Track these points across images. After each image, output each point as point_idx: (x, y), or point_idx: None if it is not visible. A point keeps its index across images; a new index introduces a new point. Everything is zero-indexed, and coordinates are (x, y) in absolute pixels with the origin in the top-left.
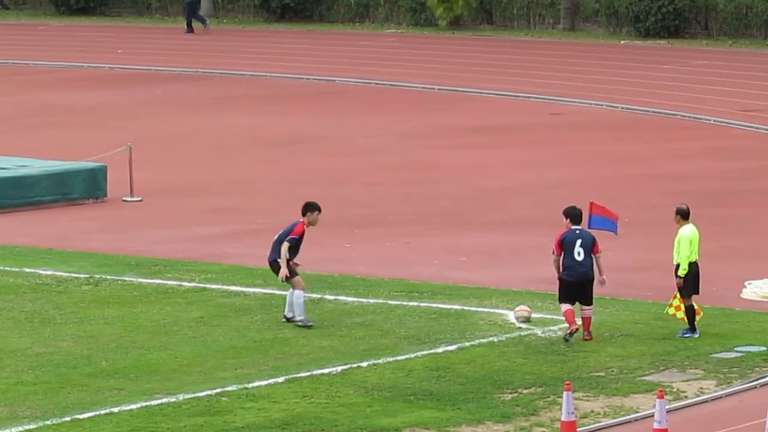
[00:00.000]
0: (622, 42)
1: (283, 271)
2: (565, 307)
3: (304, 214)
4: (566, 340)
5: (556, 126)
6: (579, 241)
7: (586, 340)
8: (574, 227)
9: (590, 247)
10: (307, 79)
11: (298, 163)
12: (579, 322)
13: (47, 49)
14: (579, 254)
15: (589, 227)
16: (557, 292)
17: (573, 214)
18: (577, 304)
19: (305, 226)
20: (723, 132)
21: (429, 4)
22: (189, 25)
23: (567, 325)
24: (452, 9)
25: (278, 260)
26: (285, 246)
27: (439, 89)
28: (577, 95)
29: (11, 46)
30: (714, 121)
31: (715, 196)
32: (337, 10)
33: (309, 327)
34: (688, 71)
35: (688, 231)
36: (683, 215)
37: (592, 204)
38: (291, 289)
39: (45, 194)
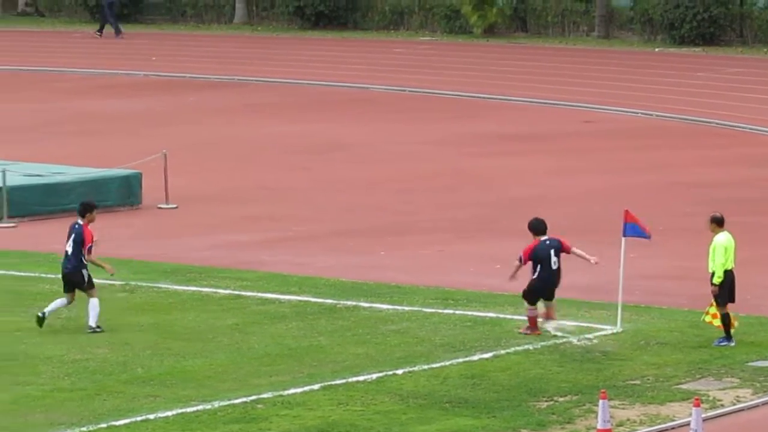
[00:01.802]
0: (656, 50)
1: (109, 267)
2: (533, 311)
3: (83, 216)
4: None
5: (589, 134)
6: (552, 251)
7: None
8: (542, 238)
9: (560, 250)
10: (341, 86)
11: (331, 171)
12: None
13: (82, 57)
14: (555, 263)
15: (624, 235)
16: (524, 292)
17: (535, 227)
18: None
19: (88, 226)
20: (758, 139)
21: (463, 11)
22: (101, 28)
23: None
24: (486, 17)
25: (82, 271)
26: (95, 257)
27: (472, 97)
28: (611, 103)
29: (46, 54)
30: (749, 128)
31: (750, 204)
32: (371, 17)
33: (99, 332)
34: (723, 79)
35: (723, 239)
36: (718, 223)
37: (626, 213)
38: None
39: (80, 201)
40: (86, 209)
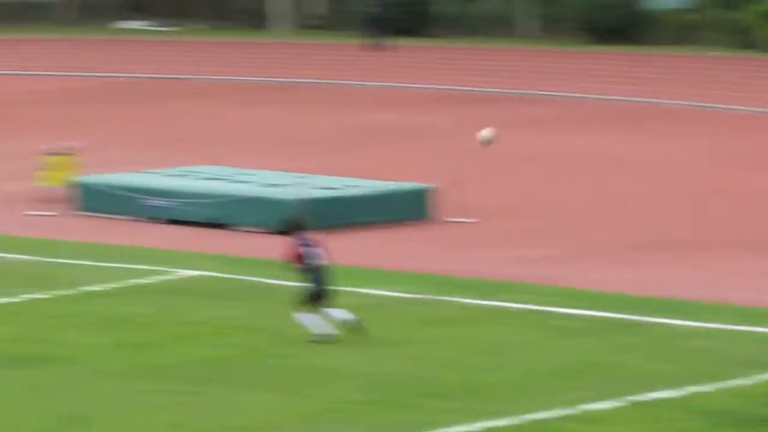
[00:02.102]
0: None
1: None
2: None
3: (303, 231)
4: None
5: None
6: None
7: None
8: None
9: None
10: (628, 100)
11: (619, 185)
12: None
13: (366, 70)
14: None
15: None
16: None
17: None
18: None
19: None
20: None
21: (755, 26)
22: (374, 40)
23: None
24: None
25: None
26: None
27: (762, 112)
28: None
29: (331, 67)
30: None
31: None
32: (660, 32)
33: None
34: None
35: None
36: None
37: None
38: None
39: (372, 214)
40: (296, 227)
